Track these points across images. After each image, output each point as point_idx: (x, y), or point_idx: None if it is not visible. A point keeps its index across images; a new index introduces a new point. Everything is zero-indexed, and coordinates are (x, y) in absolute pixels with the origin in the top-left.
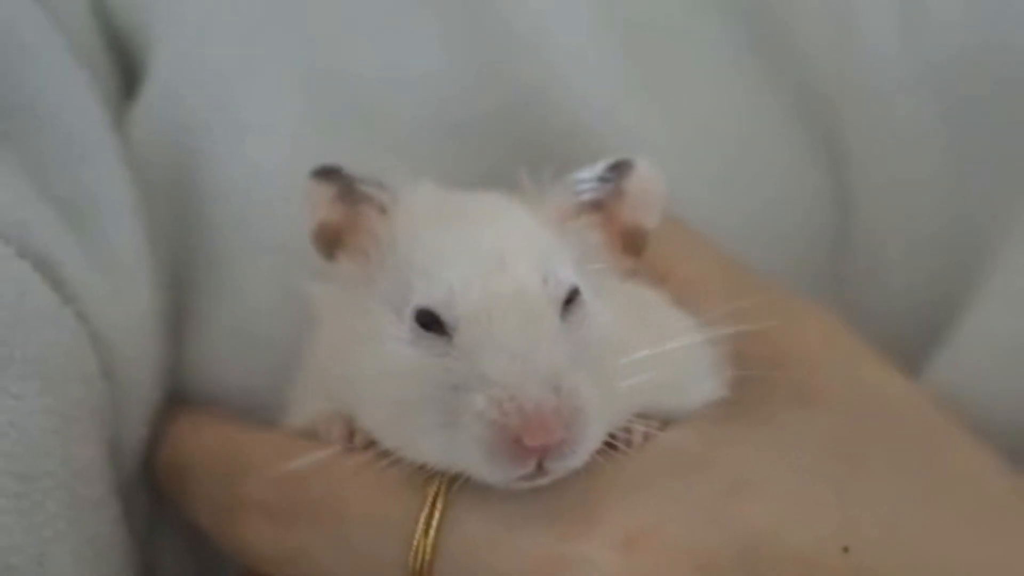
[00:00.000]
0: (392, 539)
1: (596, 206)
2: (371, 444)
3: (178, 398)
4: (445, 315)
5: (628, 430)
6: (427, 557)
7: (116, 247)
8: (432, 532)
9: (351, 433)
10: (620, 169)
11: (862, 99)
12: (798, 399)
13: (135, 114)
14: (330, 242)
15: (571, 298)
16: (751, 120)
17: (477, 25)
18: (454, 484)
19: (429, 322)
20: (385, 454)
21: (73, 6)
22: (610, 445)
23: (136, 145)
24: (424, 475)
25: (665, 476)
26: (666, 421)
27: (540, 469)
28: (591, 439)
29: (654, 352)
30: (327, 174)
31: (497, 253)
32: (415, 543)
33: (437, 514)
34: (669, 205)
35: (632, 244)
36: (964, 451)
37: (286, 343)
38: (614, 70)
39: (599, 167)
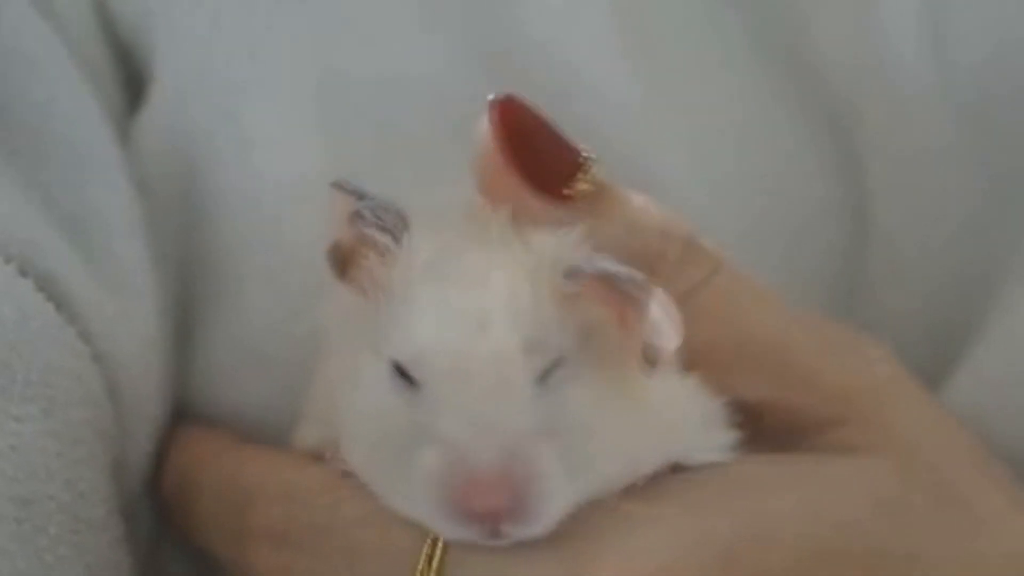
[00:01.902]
0: (398, 569)
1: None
2: None
3: (183, 413)
4: (414, 372)
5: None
6: None
7: (121, 264)
8: (435, 563)
9: None
10: (640, 289)
11: (881, 103)
12: (853, 447)
13: (139, 123)
14: (342, 262)
15: (556, 361)
16: (766, 123)
17: (487, 28)
18: None
19: (404, 374)
20: None
21: (78, 17)
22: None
23: (141, 155)
24: None
25: (677, 515)
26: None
27: (497, 532)
28: (553, 508)
29: (641, 419)
30: (347, 188)
31: (478, 315)
32: (418, 573)
33: (440, 544)
34: (685, 211)
35: (649, 359)
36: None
37: (292, 357)
38: (626, 73)
39: (616, 270)
